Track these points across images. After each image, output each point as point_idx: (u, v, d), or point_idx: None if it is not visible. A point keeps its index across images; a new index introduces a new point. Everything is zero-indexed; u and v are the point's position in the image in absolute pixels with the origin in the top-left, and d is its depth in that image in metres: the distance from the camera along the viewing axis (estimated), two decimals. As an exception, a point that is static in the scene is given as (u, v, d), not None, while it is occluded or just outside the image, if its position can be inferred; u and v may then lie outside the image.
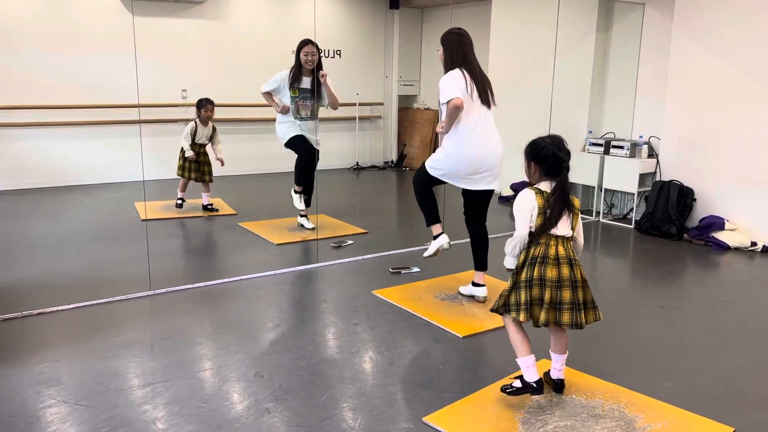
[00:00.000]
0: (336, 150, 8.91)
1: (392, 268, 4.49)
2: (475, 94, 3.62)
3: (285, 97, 5.23)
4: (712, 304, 3.93)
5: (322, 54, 8.77)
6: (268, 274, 4.35)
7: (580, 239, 2.69)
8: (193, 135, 5.98)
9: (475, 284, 3.89)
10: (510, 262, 2.70)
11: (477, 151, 3.66)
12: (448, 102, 3.52)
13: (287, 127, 5.27)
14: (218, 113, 8.07)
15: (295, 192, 5.47)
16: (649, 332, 3.46)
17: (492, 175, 3.75)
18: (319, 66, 5.16)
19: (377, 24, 9.26)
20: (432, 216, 3.91)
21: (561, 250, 2.55)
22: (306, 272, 4.45)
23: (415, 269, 4.47)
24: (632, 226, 5.89)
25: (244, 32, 8.22)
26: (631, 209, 6.08)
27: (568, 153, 2.59)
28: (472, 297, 3.89)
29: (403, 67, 9.42)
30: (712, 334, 3.47)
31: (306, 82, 5.17)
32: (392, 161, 9.50)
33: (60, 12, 7.09)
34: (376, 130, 9.45)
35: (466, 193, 3.85)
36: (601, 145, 6.12)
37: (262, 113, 8.25)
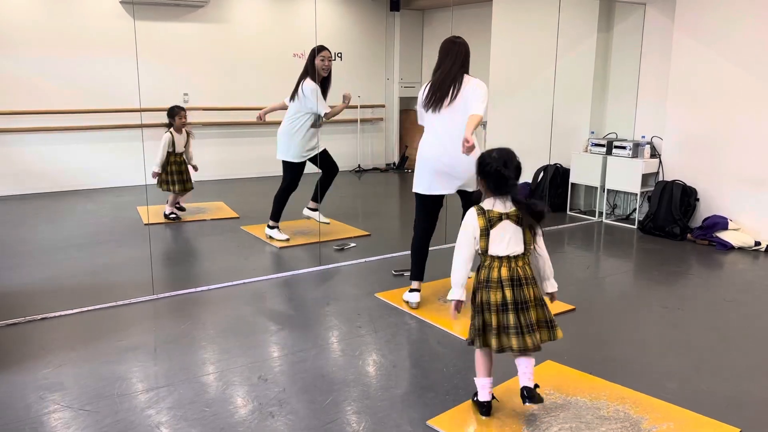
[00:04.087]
0: (338, 152, 8.80)
1: (395, 271, 4.48)
2: (431, 102, 3.66)
3: (321, 107, 5.06)
4: (716, 304, 3.92)
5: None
6: (271, 277, 4.34)
7: (544, 254, 2.57)
8: (172, 146, 5.77)
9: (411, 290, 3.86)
10: (452, 293, 2.56)
11: (433, 151, 3.68)
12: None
13: (302, 146, 5.11)
14: (220, 117, 8.12)
15: (270, 227, 5.31)
16: (653, 333, 3.44)
17: (457, 177, 3.71)
18: (330, 74, 5.10)
19: (378, 26, 9.26)
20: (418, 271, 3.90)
21: (504, 271, 2.43)
22: (309, 275, 4.44)
23: (418, 271, 4.46)
24: (635, 227, 5.88)
25: (246, 36, 8.22)
26: (634, 209, 6.07)
27: (517, 168, 2.46)
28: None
29: (404, 69, 9.42)
30: (717, 335, 3.46)
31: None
32: (394, 163, 9.50)
33: (62, 17, 7.10)
34: (377, 132, 9.44)
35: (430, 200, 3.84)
36: (603, 145, 6.11)
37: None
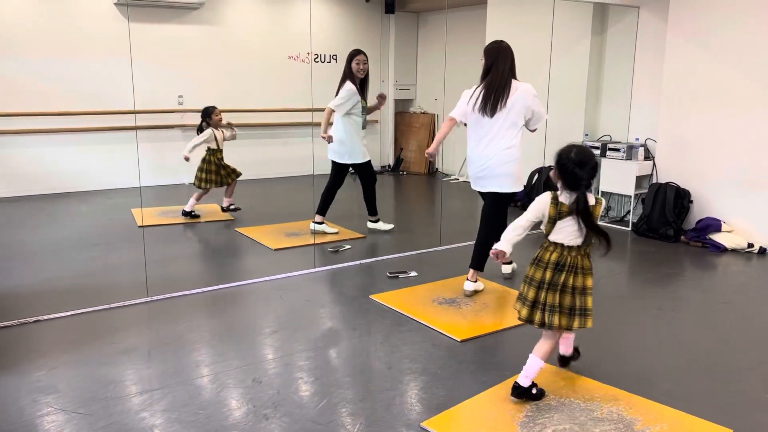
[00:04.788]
0: (333, 155, 8.90)
1: (390, 273, 4.48)
2: (478, 105, 3.89)
3: (356, 110, 5.27)
4: (710, 305, 3.94)
5: (317, 59, 8.79)
6: (266, 279, 4.34)
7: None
8: (215, 142, 5.99)
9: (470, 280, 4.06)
10: (499, 244, 2.79)
11: (475, 153, 3.98)
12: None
13: (349, 147, 5.33)
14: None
15: (317, 222, 5.55)
16: (647, 334, 3.46)
17: (488, 178, 3.97)
18: (368, 76, 5.32)
19: (373, 28, 9.27)
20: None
21: (554, 256, 2.65)
22: (304, 277, 4.44)
23: (413, 273, 4.47)
24: (629, 229, 5.90)
25: (240, 37, 8.22)
26: (628, 212, 6.09)
27: (593, 169, 2.61)
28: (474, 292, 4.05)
29: (399, 71, 9.43)
30: (711, 336, 3.47)
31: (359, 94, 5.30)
32: (389, 165, 9.50)
33: (56, 18, 7.08)
34: (372, 134, 9.44)
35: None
36: (597, 147, 6.13)
37: (256, 119, 8.26)
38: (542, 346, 2.71)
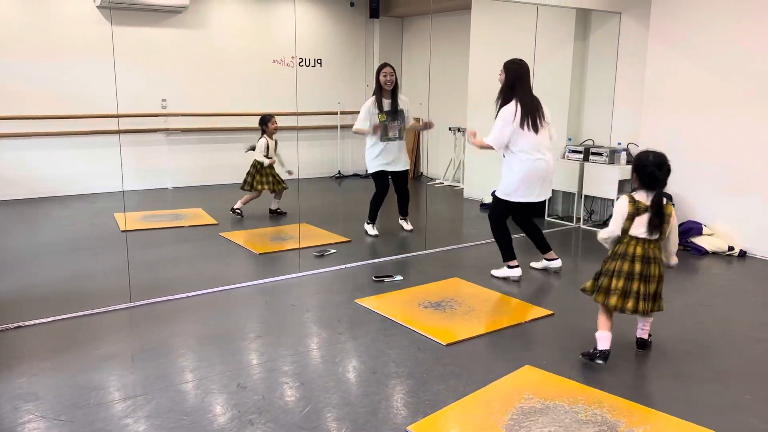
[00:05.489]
0: (318, 159, 8.91)
1: (375, 277, 4.48)
2: (527, 122, 4.27)
3: (372, 121, 5.44)
4: (692, 308, 3.98)
5: (301, 63, 8.79)
6: (250, 284, 4.32)
7: (673, 238, 3.14)
8: (266, 150, 6.20)
9: (548, 260, 4.65)
10: (601, 236, 3.26)
11: (531, 166, 4.32)
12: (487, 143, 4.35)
13: (374, 157, 5.53)
14: (199, 123, 8.08)
15: (368, 224, 5.78)
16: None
17: (543, 187, 4.45)
18: (397, 86, 5.46)
19: (358, 33, 9.29)
20: (509, 251, 4.52)
21: (639, 249, 3.06)
22: (288, 282, 4.42)
23: (398, 277, 4.47)
24: (612, 232, 5.94)
25: (225, 41, 8.20)
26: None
27: (668, 171, 3.03)
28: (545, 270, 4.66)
29: (384, 75, 9.45)
30: (693, 338, 3.51)
31: (387, 105, 5.42)
32: (374, 169, 9.51)
33: (38, 21, 7.02)
34: (357, 138, 9.44)
35: (518, 205, 4.49)
36: (580, 152, 6.18)
37: (240, 123, 8.24)
38: (607, 322, 3.16)
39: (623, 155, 5.92)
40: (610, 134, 6.30)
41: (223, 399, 2.75)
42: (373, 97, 5.45)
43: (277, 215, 6.45)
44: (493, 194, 4.66)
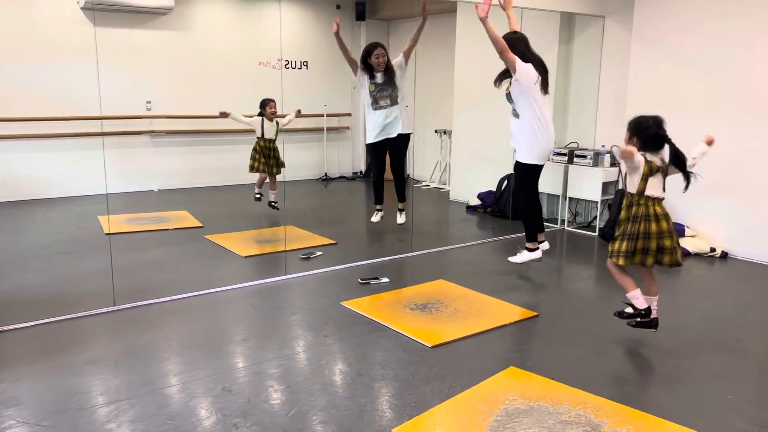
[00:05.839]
0: (304, 161, 8.88)
1: (361, 279, 4.48)
2: (540, 83, 4.29)
3: (364, 90, 5.52)
4: (675, 309, 4.02)
5: (287, 65, 8.77)
6: (236, 287, 4.30)
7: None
8: (262, 129, 6.29)
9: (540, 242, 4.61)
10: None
11: (549, 130, 4.38)
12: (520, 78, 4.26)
13: (369, 128, 5.59)
14: (184, 125, 8.03)
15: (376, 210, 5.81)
16: (614, 338, 3.52)
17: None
18: (389, 63, 5.48)
19: (344, 35, 9.25)
20: (538, 229, 4.57)
21: (658, 209, 3.24)
22: (274, 285, 4.41)
23: (384, 280, 4.48)
24: (596, 234, 6.00)
25: (210, 43, 8.16)
26: (595, 217, 6.19)
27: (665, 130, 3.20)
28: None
29: (370, 78, 9.45)
30: (676, 339, 3.54)
31: (379, 77, 5.45)
32: (360, 172, 9.50)
33: (21, 22, 6.94)
34: (344, 140, 9.45)
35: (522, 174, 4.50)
36: (565, 154, 6.22)
37: (226, 125, 8.19)
38: (632, 280, 3.34)
39: (607, 158, 5.97)
40: (594, 137, 6.35)
41: (207, 403, 2.74)
42: (364, 72, 5.48)
43: (272, 208, 6.45)
44: (518, 166, 4.52)
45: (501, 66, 4.43)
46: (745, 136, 5.09)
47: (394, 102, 5.49)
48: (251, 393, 2.83)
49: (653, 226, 3.21)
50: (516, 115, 4.41)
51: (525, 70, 4.22)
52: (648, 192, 3.22)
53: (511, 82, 4.32)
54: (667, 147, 3.25)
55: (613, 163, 6.02)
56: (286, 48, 8.64)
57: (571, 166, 6.14)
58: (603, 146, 6.18)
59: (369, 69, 5.47)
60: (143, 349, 3.28)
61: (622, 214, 3.30)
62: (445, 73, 7.88)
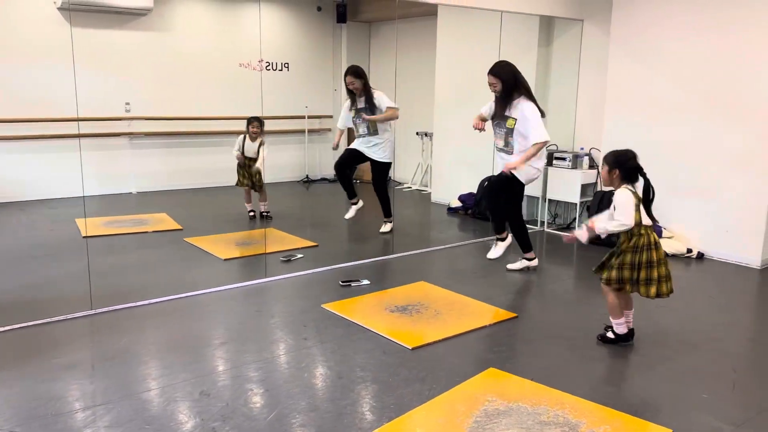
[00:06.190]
0: (285, 163, 8.85)
1: (342, 281, 4.48)
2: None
3: (350, 120, 5.74)
4: (651, 309, 4.06)
5: (268, 67, 8.73)
6: (215, 290, 4.27)
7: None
8: (242, 147, 6.29)
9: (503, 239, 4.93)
10: (585, 236, 3.42)
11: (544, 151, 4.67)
12: (541, 141, 4.48)
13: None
14: (163, 126, 7.97)
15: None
16: (591, 338, 3.55)
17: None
18: (367, 90, 5.55)
19: (325, 38, 9.28)
20: (527, 242, 4.83)
21: (653, 236, 3.27)
22: (254, 287, 4.39)
23: (365, 282, 4.48)
24: (576, 235, 6.04)
25: (189, 45, 8.11)
26: (574, 219, 6.25)
27: None
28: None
29: (351, 80, 9.45)
30: (651, 339, 3.59)
31: (361, 102, 5.57)
32: (342, 174, 9.50)
33: (-6, 22, 6.84)
34: (325, 142, 9.43)
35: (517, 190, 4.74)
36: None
37: (206, 126, 8.16)
38: (623, 306, 3.41)
39: (586, 160, 6.03)
40: (573, 139, 6.41)
41: (186, 407, 2.72)
42: (347, 96, 5.67)
43: (264, 218, 6.41)
44: (516, 182, 4.69)
45: (480, 68, 4.55)
46: (721, 139, 5.17)
47: (373, 132, 5.62)
48: (230, 397, 2.81)
49: (654, 255, 3.26)
50: (508, 150, 4.65)
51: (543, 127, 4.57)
52: (644, 221, 3.27)
53: (516, 119, 4.51)
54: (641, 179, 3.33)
55: (592, 166, 6.08)
56: (266, 49, 8.62)
57: (550, 169, 6.19)
58: (582, 149, 6.25)
59: (350, 93, 5.61)
60: (121, 353, 3.24)
61: (624, 244, 3.32)
62: (427, 76, 7.91)
